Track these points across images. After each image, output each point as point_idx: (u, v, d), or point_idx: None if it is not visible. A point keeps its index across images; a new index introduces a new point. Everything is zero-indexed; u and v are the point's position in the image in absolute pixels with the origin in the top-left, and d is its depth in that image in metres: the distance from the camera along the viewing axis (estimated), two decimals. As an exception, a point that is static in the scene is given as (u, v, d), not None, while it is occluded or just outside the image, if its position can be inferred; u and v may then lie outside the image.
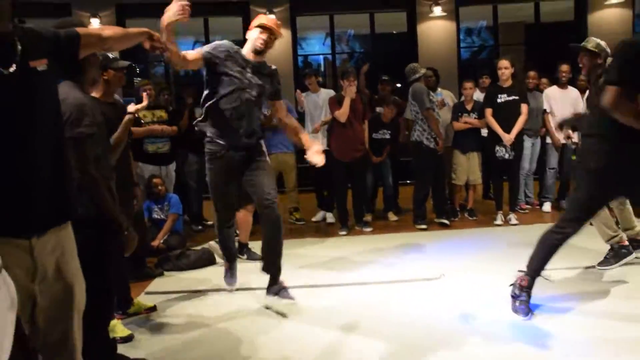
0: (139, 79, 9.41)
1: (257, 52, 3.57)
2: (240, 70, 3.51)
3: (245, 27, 4.42)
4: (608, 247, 4.21)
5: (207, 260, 4.85)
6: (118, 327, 3.26)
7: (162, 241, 5.15)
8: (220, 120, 3.53)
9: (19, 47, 1.66)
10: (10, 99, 1.62)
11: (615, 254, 4.12)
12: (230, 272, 4.01)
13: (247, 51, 3.61)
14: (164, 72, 10.39)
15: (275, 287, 3.71)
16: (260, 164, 3.63)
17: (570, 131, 4.48)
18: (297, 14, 9.56)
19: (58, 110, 1.86)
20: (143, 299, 3.93)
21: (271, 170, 3.75)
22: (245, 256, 4.91)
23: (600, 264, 4.14)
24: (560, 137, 6.16)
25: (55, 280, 1.77)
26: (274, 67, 3.75)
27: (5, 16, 1.64)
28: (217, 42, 3.57)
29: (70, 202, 1.86)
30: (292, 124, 3.84)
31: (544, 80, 6.73)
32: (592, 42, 3.95)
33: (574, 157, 4.46)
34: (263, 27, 3.55)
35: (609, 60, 3.60)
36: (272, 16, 3.45)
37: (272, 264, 3.69)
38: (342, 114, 5.67)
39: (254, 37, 3.57)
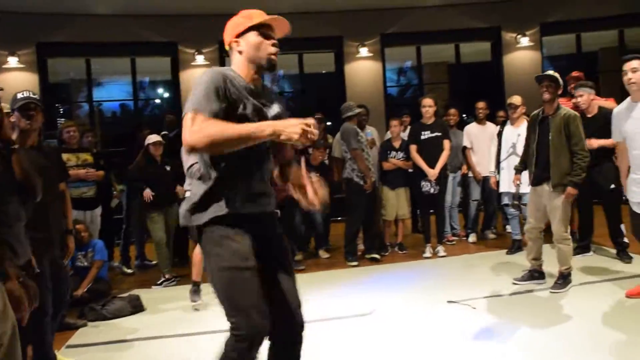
0: (62, 120, 9.12)
1: (273, 68, 2.29)
2: (250, 105, 2.21)
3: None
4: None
5: (134, 307, 4.68)
6: None
7: (85, 290, 4.93)
8: (228, 178, 2.20)
9: None
10: None
11: (565, 280, 4.40)
12: None
13: (246, 72, 2.31)
14: (88, 113, 10.06)
15: None
16: (284, 261, 2.49)
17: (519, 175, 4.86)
18: (227, 55, 9.60)
19: None
20: (64, 354, 3.71)
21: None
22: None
23: (553, 287, 4.40)
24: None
25: (6, 317, 1.86)
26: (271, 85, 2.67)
27: None
28: (211, 81, 2.15)
29: None
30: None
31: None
32: (553, 73, 4.19)
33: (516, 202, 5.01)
34: (266, 27, 2.26)
35: None
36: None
37: None
38: None
39: (259, 45, 2.26)
